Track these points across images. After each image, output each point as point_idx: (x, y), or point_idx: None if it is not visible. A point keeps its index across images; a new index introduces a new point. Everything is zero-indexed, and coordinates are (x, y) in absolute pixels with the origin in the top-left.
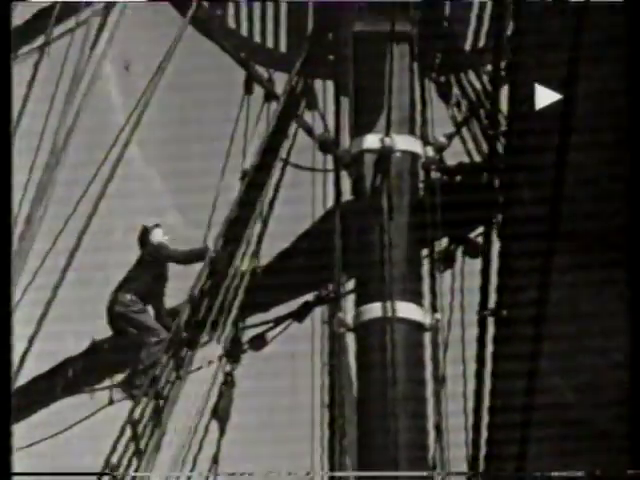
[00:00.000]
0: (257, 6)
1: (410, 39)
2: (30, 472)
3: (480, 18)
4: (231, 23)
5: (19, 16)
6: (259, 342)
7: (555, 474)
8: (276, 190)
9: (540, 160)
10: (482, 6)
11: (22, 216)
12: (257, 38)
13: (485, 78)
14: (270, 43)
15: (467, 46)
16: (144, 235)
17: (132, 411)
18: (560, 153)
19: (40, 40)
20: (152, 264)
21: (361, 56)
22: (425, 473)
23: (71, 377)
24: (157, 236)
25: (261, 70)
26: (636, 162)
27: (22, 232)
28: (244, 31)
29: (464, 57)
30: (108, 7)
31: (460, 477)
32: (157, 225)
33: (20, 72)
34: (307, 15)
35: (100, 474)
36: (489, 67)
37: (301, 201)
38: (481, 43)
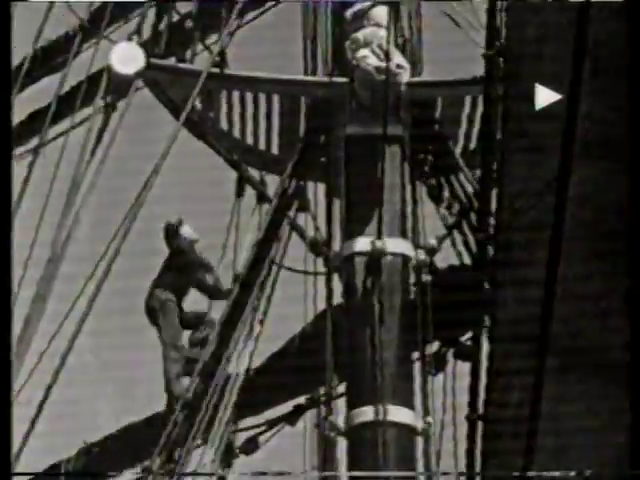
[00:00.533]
0: (249, 103)
1: (401, 141)
2: (30, 472)
3: (471, 120)
4: (223, 125)
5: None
6: (251, 445)
7: (552, 474)
8: (269, 291)
9: (530, 273)
10: (473, 105)
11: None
12: (249, 140)
13: (476, 181)
14: (262, 145)
15: (458, 148)
16: (170, 231)
17: None
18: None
19: (35, 141)
20: (179, 261)
21: (353, 158)
22: None
23: None
24: (186, 231)
25: (253, 171)
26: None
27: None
28: (236, 132)
29: (455, 159)
30: (107, 109)
31: None
32: (182, 220)
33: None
34: (299, 117)
35: (100, 474)
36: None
37: (293, 302)
38: (472, 145)
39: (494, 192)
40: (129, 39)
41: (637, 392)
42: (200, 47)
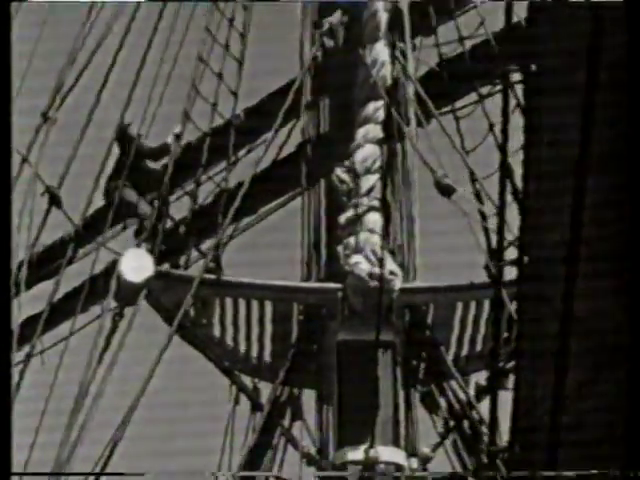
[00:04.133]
0: (242, 309)
1: (393, 347)
2: (30, 472)
3: (463, 326)
4: (216, 331)
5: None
6: None
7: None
8: None
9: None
10: (465, 310)
11: None
12: (242, 347)
13: (470, 388)
14: (255, 352)
15: (450, 354)
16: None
17: None
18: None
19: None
20: None
21: (344, 364)
22: None
23: None
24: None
25: (246, 379)
26: None
27: None
28: (229, 339)
29: (447, 366)
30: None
31: None
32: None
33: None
34: (292, 323)
35: (100, 474)
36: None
37: None
38: (464, 352)
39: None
40: (138, 245)
41: (637, 393)
42: (194, 253)
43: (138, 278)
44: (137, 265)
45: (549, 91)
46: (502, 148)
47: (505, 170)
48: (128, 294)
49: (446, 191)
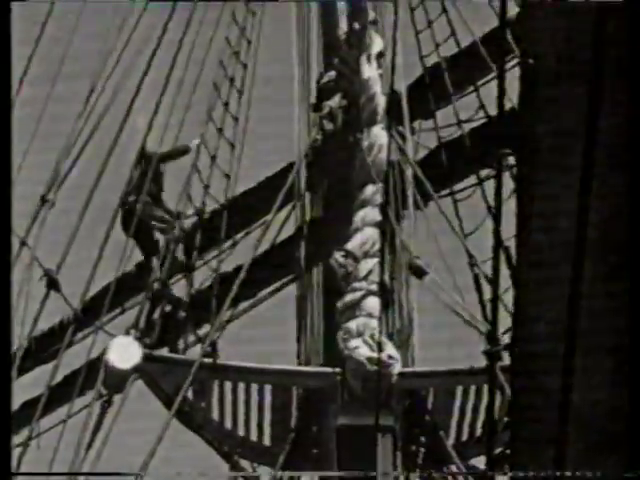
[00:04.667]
0: (242, 394)
1: (393, 432)
2: (30, 472)
3: (463, 411)
4: (215, 415)
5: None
6: None
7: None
8: None
9: None
10: (465, 395)
11: None
12: (241, 431)
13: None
14: (254, 436)
15: (451, 439)
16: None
17: None
18: None
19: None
20: None
21: (344, 448)
22: None
23: None
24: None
25: (245, 463)
26: None
27: None
28: (228, 423)
29: (447, 451)
30: (103, 404)
31: None
32: None
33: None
34: (291, 408)
35: (99, 474)
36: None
37: None
38: (464, 437)
39: None
40: (126, 332)
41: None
42: (192, 337)
43: (125, 365)
44: (125, 352)
45: (543, 172)
46: (496, 234)
47: (498, 257)
48: (116, 381)
49: (418, 273)
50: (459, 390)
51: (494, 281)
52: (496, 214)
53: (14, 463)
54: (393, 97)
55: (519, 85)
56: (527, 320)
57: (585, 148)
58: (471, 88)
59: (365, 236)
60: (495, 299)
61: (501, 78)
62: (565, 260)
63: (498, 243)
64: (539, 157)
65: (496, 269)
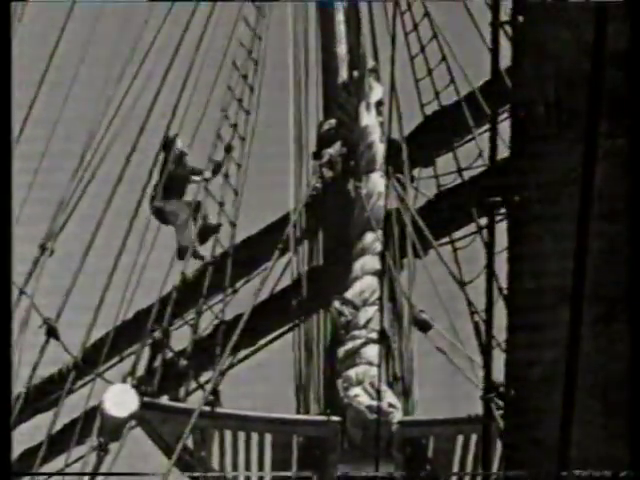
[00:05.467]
0: (242, 442)
1: None
2: (30, 472)
3: (463, 461)
4: (215, 464)
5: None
6: None
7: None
8: None
9: None
10: (465, 444)
11: None
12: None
13: None
14: None
15: None
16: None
17: None
18: None
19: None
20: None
21: None
22: None
23: None
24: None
25: None
26: None
27: None
28: (229, 471)
29: None
30: (99, 453)
31: None
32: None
33: None
34: (291, 456)
35: (99, 474)
36: None
37: None
38: None
39: None
40: (124, 380)
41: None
42: (193, 385)
43: (122, 413)
44: (121, 400)
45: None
46: (488, 284)
47: (491, 308)
48: (112, 429)
49: (422, 327)
50: (460, 438)
51: (487, 328)
52: (489, 263)
53: None
54: (392, 145)
55: (510, 136)
56: (520, 364)
57: (581, 195)
58: (470, 136)
59: (364, 284)
60: (489, 345)
61: (493, 129)
62: (554, 306)
63: (490, 291)
64: (530, 207)
65: (489, 317)
